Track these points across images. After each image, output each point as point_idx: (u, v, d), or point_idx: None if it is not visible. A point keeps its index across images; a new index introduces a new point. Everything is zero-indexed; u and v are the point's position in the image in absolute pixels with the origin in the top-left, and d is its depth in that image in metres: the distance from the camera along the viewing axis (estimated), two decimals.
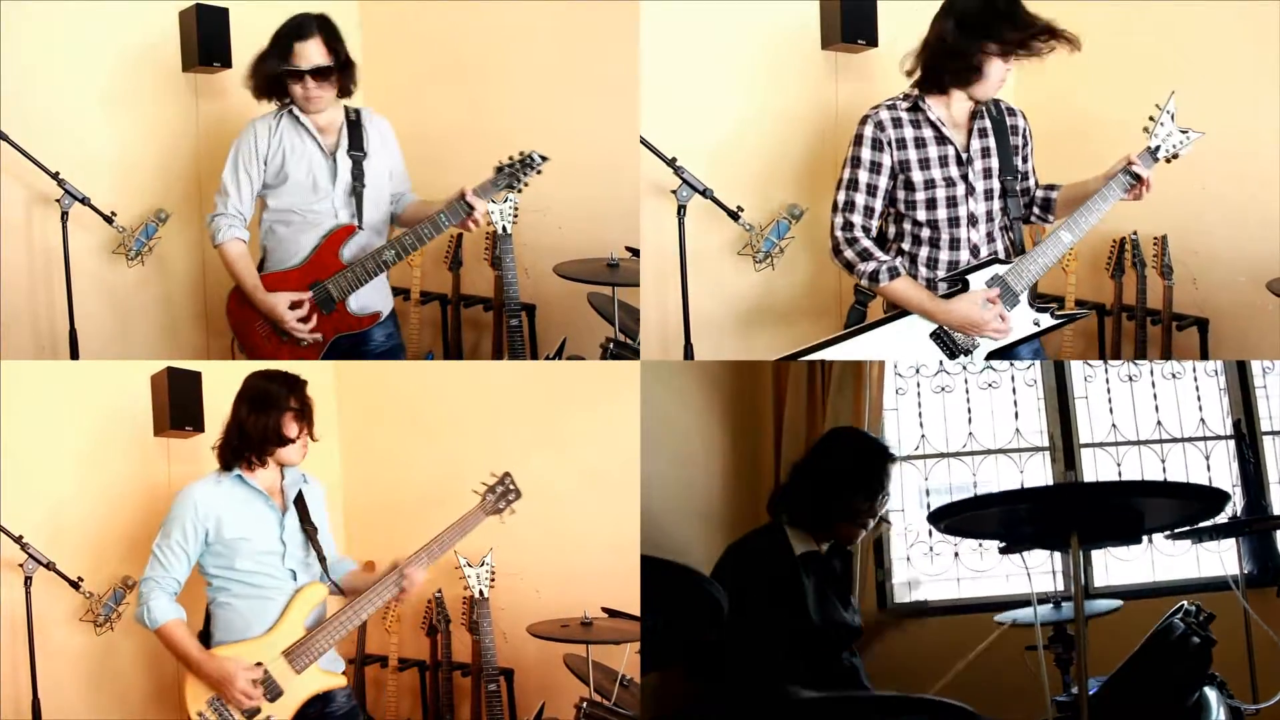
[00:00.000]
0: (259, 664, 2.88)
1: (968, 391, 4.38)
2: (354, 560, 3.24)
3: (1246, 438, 4.19)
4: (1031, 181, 3.39)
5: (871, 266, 3.21)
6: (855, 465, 3.10)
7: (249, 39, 3.93)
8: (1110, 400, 4.35)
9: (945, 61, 3.17)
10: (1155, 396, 4.34)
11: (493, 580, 3.52)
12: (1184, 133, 3.20)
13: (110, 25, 3.93)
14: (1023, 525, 2.84)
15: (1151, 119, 3.21)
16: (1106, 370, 4.35)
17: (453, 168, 3.56)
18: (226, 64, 4.00)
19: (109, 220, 3.81)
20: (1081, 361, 4.31)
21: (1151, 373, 4.34)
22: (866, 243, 3.24)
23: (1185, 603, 2.93)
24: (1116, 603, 3.49)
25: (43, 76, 3.82)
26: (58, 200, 3.69)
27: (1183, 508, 2.85)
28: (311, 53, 3.44)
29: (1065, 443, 4.30)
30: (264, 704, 2.87)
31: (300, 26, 3.44)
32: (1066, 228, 3.21)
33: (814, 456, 3.21)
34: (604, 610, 3.55)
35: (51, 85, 3.83)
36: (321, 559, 3.04)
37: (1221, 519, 3.45)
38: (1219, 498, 2.69)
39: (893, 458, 3.14)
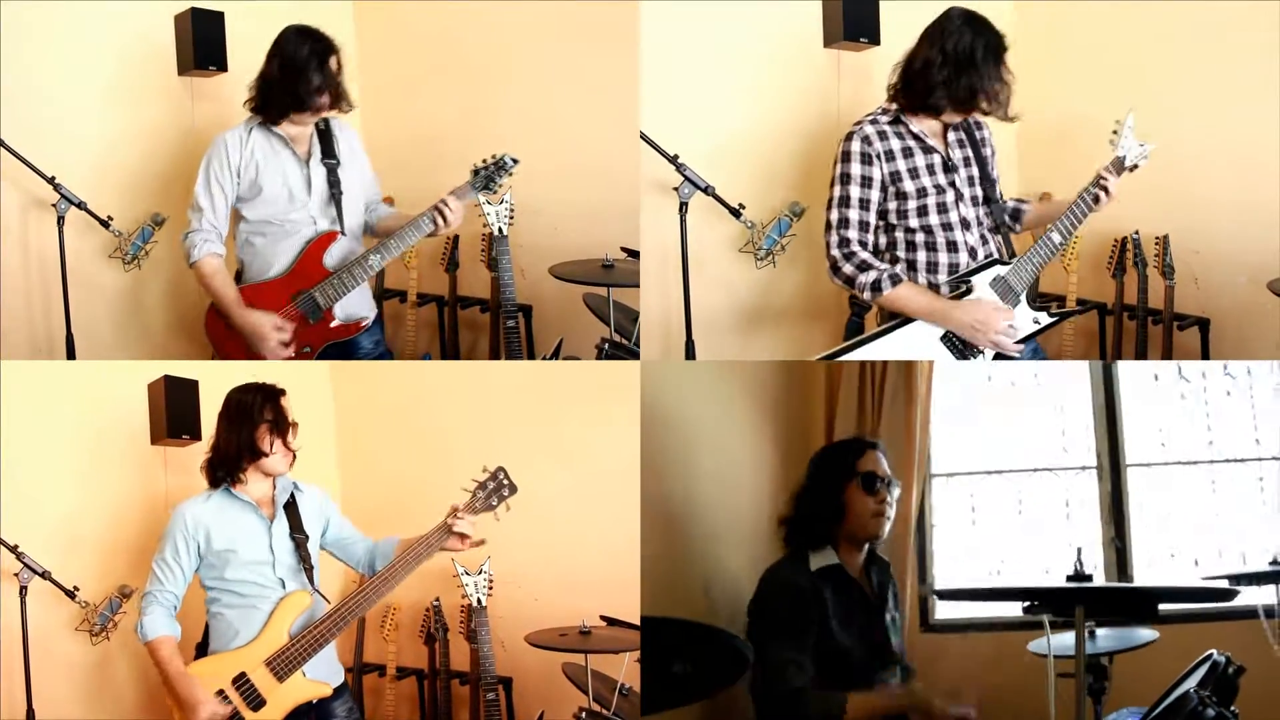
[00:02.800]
0: (241, 673, 2.91)
1: (1015, 408, 4.36)
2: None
3: None
4: (998, 190, 3.44)
5: (872, 276, 3.23)
6: (843, 460, 3.12)
7: (244, 43, 3.93)
8: (1161, 418, 4.30)
9: (924, 89, 3.23)
10: (1208, 415, 4.29)
11: (491, 588, 3.49)
12: (1141, 145, 3.24)
13: (105, 29, 3.91)
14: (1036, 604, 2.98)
15: (1115, 133, 3.24)
16: (1158, 387, 4.30)
17: (450, 169, 3.55)
18: (222, 68, 3.98)
19: (105, 224, 3.79)
20: (1132, 376, 4.29)
21: (1205, 389, 4.29)
22: (864, 255, 3.26)
23: (1214, 653, 2.98)
24: (1153, 635, 3.47)
25: (38, 80, 3.80)
26: (54, 205, 3.68)
27: (1197, 596, 3.18)
28: (335, 68, 3.47)
29: (1112, 462, 4.27)
30: (247, 713, 2.89)
31: (330, 41, 3.47)
32: (1055, 229, 3.26)
33: (811, 480, 3.18)
34: (602, 618, 3.54)
35: (47, 89, 3.81)
36: (308, 568, 3.05)
37: (1254, 560, 3.63)
38: (1228, 595, 2.93)
39: (873, 443, 3.14)
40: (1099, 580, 3.96)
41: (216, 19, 3.97)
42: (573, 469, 3.79)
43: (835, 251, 3.27)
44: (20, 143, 3.64)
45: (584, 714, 3.35)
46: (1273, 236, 3.69)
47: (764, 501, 3.63)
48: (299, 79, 3.41)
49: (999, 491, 4.33)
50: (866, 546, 3.11)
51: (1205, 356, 3.95)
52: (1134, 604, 3.10)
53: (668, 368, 3.71)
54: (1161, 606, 3.53)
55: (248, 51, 3.87)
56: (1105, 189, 3.22)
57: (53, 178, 3.66)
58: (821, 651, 2.90)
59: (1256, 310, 3.75)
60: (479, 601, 3.48)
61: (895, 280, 3.22)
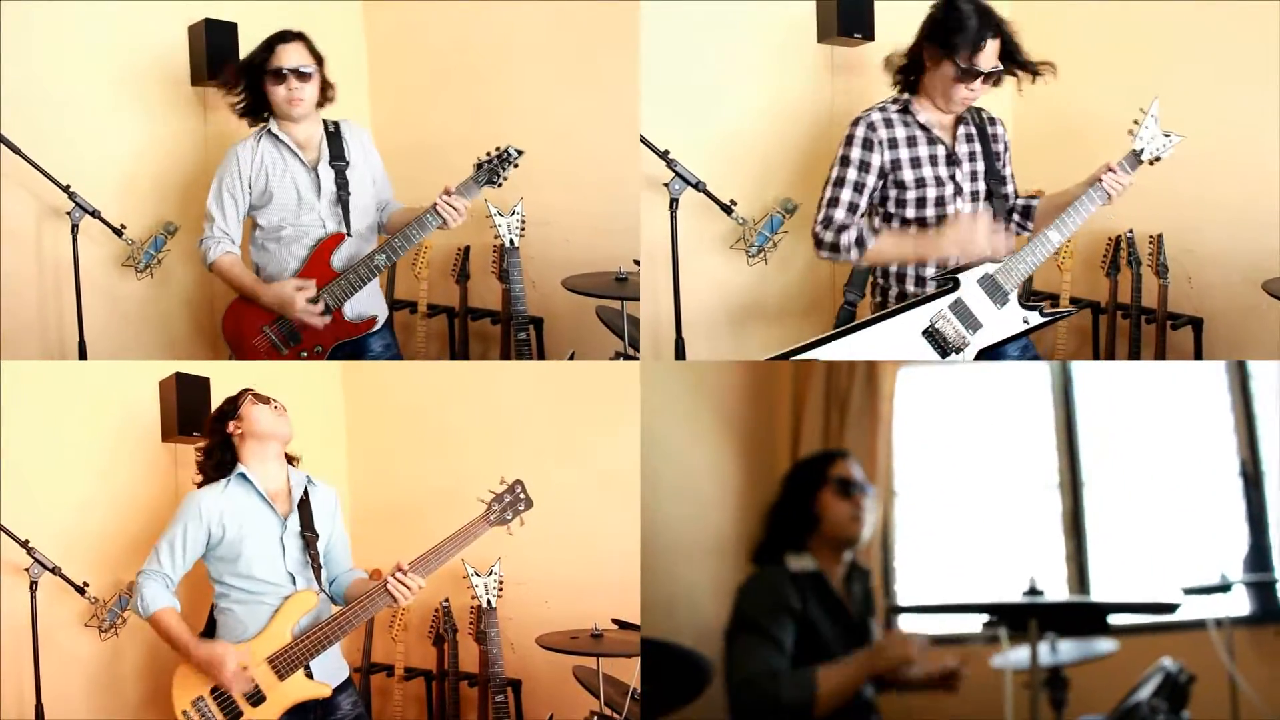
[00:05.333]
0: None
1: (977, 426, 4.33)
2: (363, 571, 3.26)
3: (1251, 478, 4.14)
4: (1011, 188, 3.48)
5: (854, 234, 3.25)
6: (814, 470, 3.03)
7: None
8: (1118, 435, 4.28)
9: (918, 72, 3.29)
10: (1163, 434, 4.26)
11: (500, 590, 3.50)
12: (1166, 136, 3.26)
13: (119, 39, 3.95)
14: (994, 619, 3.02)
15: (1136, 122, 3.27)
16: (1115, 405, 4.30)
17: (455, 173, 3.54)
18: None
19: (119, 233, 3.81)
20: (1090, 394, 4.30)
21: (1160, 408, 4.28)
22: (843, 220, 3.27)
23: (1167, 661, 3.06)
24: (1113, 645, 3.50)
25: (53, 89, 3.83)
26: (68, 213, 3.70)
27: (1144, 609, 3.29)
28: (293, 54, 3.51)
29: (1072, 478, 4.26)
30: (245, 707, 2.90)
31: (281, 33, 3.54)
32: (1054, 228, 3.27)
33: (783, 495, 3.07)
34: (614, 622, 3.53)
35: (61, 98, 3.84)
36: (316, 567, 3.06)
37: (1208, 574, 3.63)
38: (1172, 607, 2.98)
39: (844, 453, 3.05)
40: (1056, 595, 4.02)
41: (229, 30, 4.00)
42: (584, 470, 3.79)
43: (817, 226, 3.30)
44: (35, 151, 3.66)
45: (596, 718, 3.34)
46: (1267, 236, 3.71)
47: (726, 515, 3.66)
48: (263, 61, 3.50)
49: (962, 507, 4.29)
50: (847, 557, 2.99)
51: (1198, 356, 3.96)
52: (1085, 617, 3.15)
53: (667, 368, 3.73)
54: (1119, 620, 3.59)
55: None
56: (1116, 185, 3.24)
57: (67, 186, 3.69)
58: (800, 661, 2.80)
59: (1251, 310, 3.76)
60: (488, 603, 3.48)
61: (876, 231, 3.26)
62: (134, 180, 4.00)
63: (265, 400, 3.14)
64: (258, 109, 3.57)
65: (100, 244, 3.90)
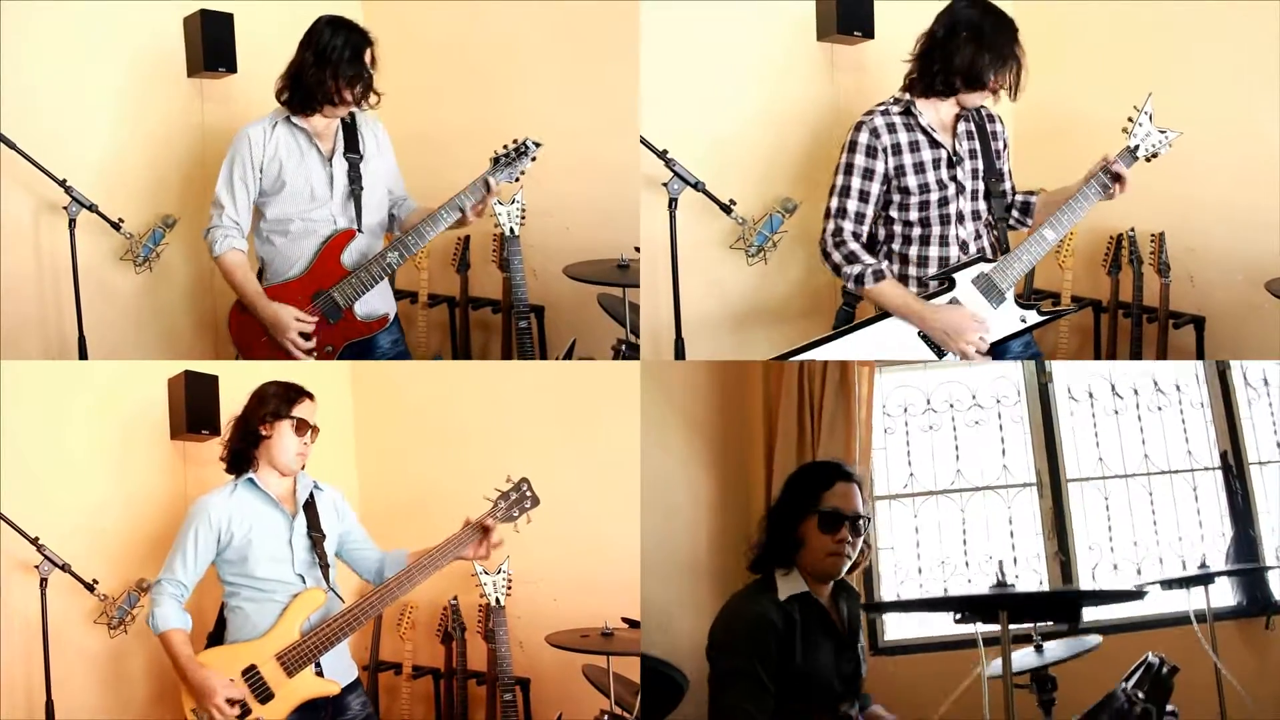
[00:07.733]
0: (251, 665, 2.92)
1: (955, 430, 4.37)
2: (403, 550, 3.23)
3: (1233, 469, 4.18)
4: (1009, 185, 3.49)
5: (857, 270, 3.28)
6: (809, 489, 2.86)
7: (253, 44, 3.94)
8: (1096, 434, 4.33)
9: (936, 69, 3.27)
10: (1142, 430, 4.32)
11: (509, 588, 3.48)
12: (1162, 132, 3.28)
13: (115, 31, 3.90)
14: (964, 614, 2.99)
15: (1130, 119, 3.29)
16: (1093, 403, 4.34)
17: (456, 171, 3.53)
18: (231, 69, 3.99)
19: (116, 227, 3.77)
20: (1067, 394, 4.33)
21: (1138, 405, 4.34)
22: (854, 246, 3.31)
23: (1150, 654, 3.05)
24: (1096, 639, 3.50)
25: (48, 83, 3.79)
26: (65, 208, 3.66)
27: (1115, 598, 3.42)
28: (370, 59, 3.44)
29: (1052, 478, 4.28)
30: (254, 705, 2.91)
31: (365, 33, 3.44)
32: (1049, 226, 3.30)
33: (779, 502, 2.94)
34: (624, 620, 3.51)
35: (57, 92, 3.80)
36: (324, 566, 3.07)
37: (1192, 567, 3.67)
38: (1139, 595, 3.14)
39: (846, 474, 2.86)
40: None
41: (226, 20, 3.97)
42: (594, 468, 3.78)
43: (827, 238, 3.33)
44: (31, 146, 3.61)
45: (606, 716, 3.34)
46: (1269, 235, 3.71)
47: (700, 529, 3.69)
48: (333, 71, 3.37)
49: (942, 512, 4.32)
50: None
51: (1200, 355, 3.98)
52: (1054, 606, 3.15)
53: (667, 368, 3.72)
54: (1105, 616, 3.75)
55: (257, 53, 3.90)
56: (1119, 180, 3.26)
57: (64, 180, 3.64)
58: (787, 683, 2.69)
59: (1252, 309, 3.76)
60: (497, 601, 3.47)
61: (878, 276, 3.27)
62: (131, 173, 3.96)
63: (304, 431, 3.09)
64: (312, 101, 3.43)
65: (98, 238, 3.85)
